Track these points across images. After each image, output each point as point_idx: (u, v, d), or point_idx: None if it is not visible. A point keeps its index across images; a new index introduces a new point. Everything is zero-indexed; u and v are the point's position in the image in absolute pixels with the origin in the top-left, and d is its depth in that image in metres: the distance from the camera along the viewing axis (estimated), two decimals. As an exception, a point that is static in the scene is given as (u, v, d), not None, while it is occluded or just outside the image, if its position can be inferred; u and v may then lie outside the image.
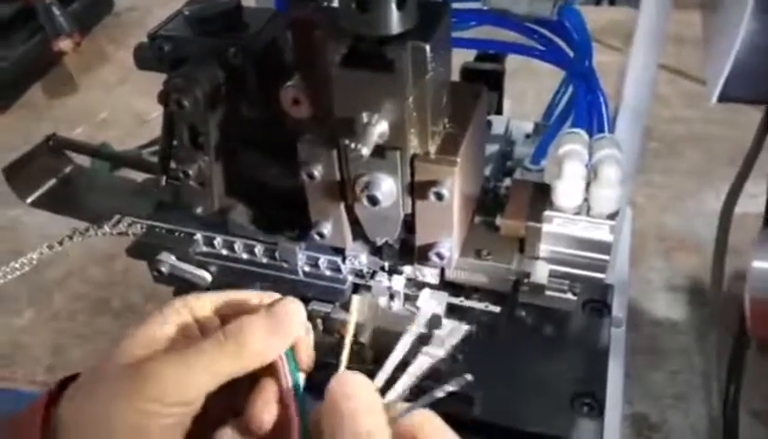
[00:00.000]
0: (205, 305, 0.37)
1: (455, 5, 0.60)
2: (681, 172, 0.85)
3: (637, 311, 0.71)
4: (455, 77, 0.72)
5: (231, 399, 0.36)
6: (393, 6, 0.34)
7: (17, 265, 0.62)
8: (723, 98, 0.35)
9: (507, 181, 0.55)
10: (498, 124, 0.65)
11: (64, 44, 1.14)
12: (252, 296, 0.38)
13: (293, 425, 0.34)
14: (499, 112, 0.72)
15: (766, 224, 0.49)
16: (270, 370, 0.35)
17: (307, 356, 0.37)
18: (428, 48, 0.35)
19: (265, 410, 0.35)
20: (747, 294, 0.35)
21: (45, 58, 1.27)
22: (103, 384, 0.33)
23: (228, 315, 0.37)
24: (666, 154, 0.88)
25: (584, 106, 0.55)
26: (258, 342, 0.34)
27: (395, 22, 0.35)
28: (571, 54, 0.56)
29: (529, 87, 0.77)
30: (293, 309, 0.35)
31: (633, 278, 0.72)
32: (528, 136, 0.68)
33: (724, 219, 0.56)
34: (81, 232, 0.58)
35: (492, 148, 0.61)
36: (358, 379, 0.33)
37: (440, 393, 0.33)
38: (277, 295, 0.37)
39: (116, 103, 1.09)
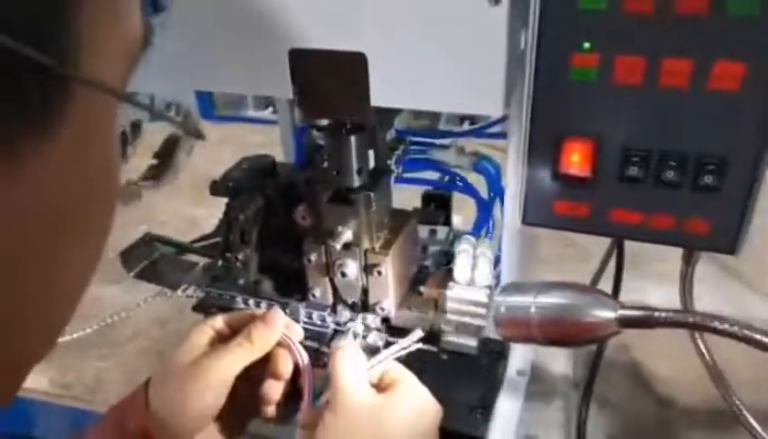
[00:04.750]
0: (219, 321, 0.67)
1: (412, 156, 0.94)
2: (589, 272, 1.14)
3: (544, 368, 0.98)
4: (418, 201, 1.06)
5: (253, 381, 0.65)
6: (355, 174, 0.67)
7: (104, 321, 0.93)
8: (526, 222, 0.66)
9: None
10: (441, 233, 0.97)
11: (136, 164, 1.51)
12: (250, 311, 0.68)
13: (306, 378, 0.63)
14: (447, 223, 1.04)
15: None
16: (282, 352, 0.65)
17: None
18: (372, 195, 0.68)
19: (285, 363, 0.64)
20: (493, 317, 0.62)
21: (117, 173, 1.64)
22: (176, 375, 0.62)
23: (236, 325, 0.66)
24: (581, 256, 1.18)
25: (483, 223, 0.87)
26: (260, 338, 0.63)
27: (355, 181, 0.68)
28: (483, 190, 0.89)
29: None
30: (276, 312, 0.66)
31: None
32: (463, 241, 0.99)
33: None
34: (162, 294, 0.89)
35: (435, 248, 0.92)
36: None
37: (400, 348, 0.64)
38: (264, 310, 0.68)
39: (172, 209, 1.43)
